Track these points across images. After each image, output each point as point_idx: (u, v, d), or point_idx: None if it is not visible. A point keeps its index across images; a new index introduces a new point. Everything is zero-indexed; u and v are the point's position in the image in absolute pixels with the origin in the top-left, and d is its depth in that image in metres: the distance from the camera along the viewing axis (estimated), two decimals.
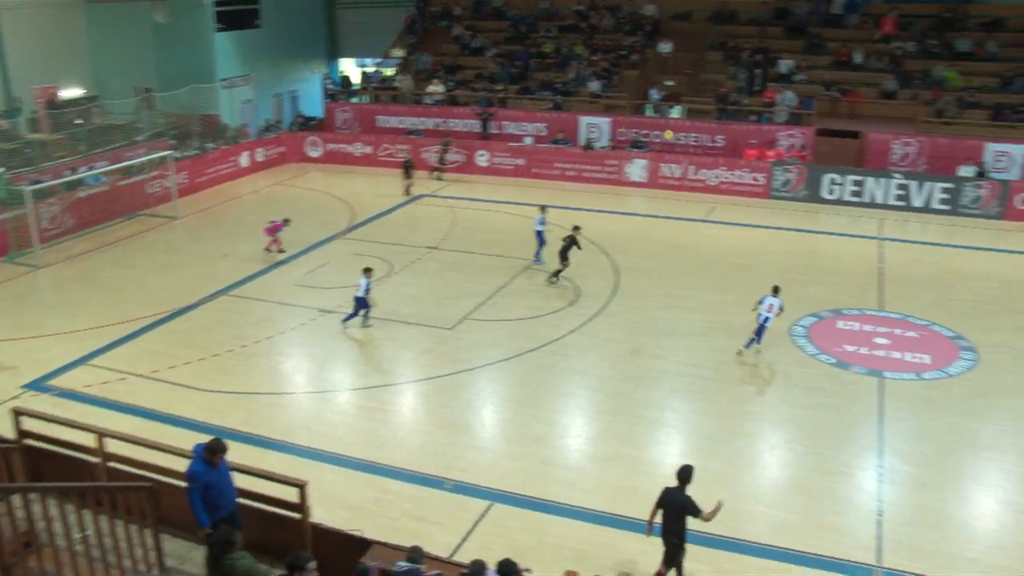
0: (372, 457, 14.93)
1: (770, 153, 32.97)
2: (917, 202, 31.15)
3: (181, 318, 20.94)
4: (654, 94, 36.14)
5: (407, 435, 15.87)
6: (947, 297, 22.82)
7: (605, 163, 34.22)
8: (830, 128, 33.91)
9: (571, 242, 23.00)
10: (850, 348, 19.60)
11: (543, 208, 25.25)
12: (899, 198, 31.30)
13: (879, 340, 20.03)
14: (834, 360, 18.98)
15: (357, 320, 20.17)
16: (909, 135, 32.58)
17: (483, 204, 31.34)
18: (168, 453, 10.53)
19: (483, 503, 13.63)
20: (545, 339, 19.72)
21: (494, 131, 36.84)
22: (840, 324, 20.98)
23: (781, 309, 19.01)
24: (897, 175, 31.41)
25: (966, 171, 31.19)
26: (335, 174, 36.08)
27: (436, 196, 32.15)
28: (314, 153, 37.87)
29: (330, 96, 41.44)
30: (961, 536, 13.14)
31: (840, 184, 31.85)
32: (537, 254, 24.91)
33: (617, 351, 19.29)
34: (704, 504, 11.16)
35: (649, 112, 36.11)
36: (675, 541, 11.39)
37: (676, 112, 35.81)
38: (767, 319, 18.83)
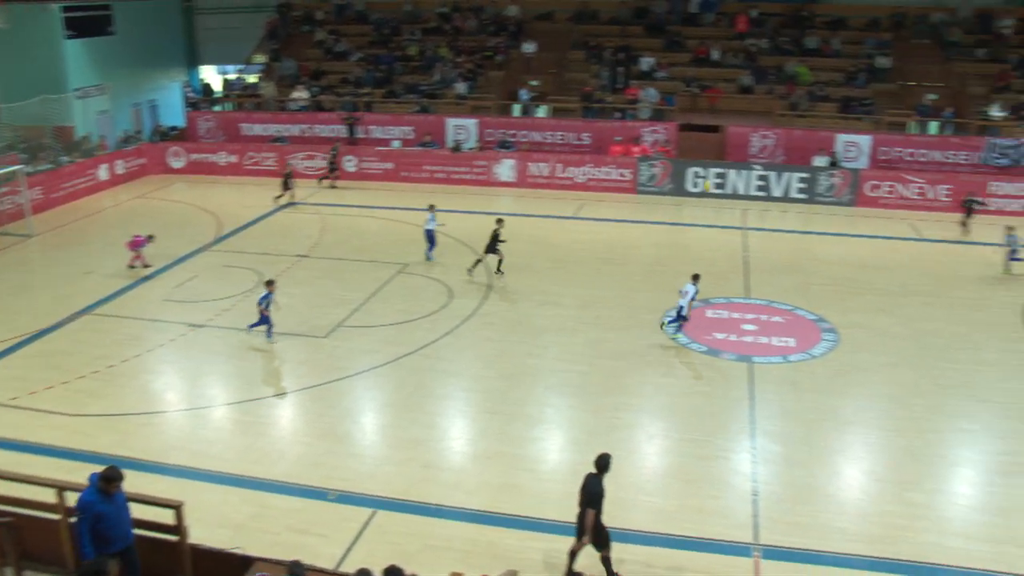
0: (251, 472, 14.57)
1: (635, 149, 33.67)
2: (776, 192, 32.40)
3: (42, 340, 19.97)
4: (524, 94, 36.46)
5: (286, 447, 15.56)
6: (808, 282, 23.79)
7: (473, 164, 34.35)
8: (692, 123, 34.94)
9: (495, 236, 23.47)
10: (720, 336, 20.21)
11: (432, 207, 25.50)
12: (759, 188, 32.48)
13: (747, 326, 20.72)
14: (705, 348, 19.53)
15: (269, 330, 19.80)
16: (766, 128, 33.85)
17: (353, 210, 31.00)
18: (30, 484, 10.02)
19: (367, 511, 13.48)
20: (420, 343, 19.65)
21: (361, 136, 36.49)
22: (709, 313, 21.60)
23: (694, 297, 19.63)
24: (757, 167, 32.58)
25: (820, 161, 32.60)
26: (200, 185, 35.12)
27: (305, 204, 31.62)
28: (177, 164, 36.75)
29: (191, 105, 40.33)
30: (830, 508, 13.70)
31: (703, 177, 32.79)
32: (429, 252, 25.31)
33: (492, 351, 19.38)
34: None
35: (517, 112, 36.40)
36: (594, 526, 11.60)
37: (542, 111, 36.24)
38: (681, 305, 19.52)
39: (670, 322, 19.89)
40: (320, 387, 17.71)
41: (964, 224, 28.09)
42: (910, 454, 15.27)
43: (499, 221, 23.84)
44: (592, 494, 11.43)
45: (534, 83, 36.92)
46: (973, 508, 13.91)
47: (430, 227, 25.11)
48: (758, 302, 22.29)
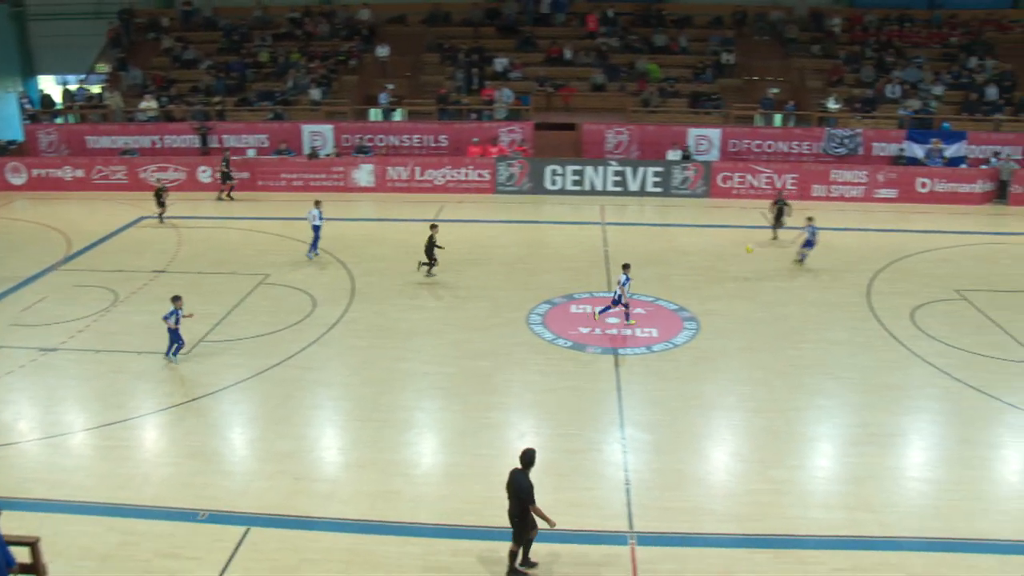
0: (115, 499, 13.90)
1: (493, 149, 33.85)
2: (633, 187, 33.12)
3: None
4: (383, 98, 36.14)
5: (151, 470, 14.92)
6: (667, 273, 24.41)
7: (331, 170, 33.84)
8: (547, 122, 35.38)
9: (431, 241, 23.46)
10: (584, 330, 20.47)
11: (317, 203, 25.83)
12: (616, 184, 33.15)
13: (610, 320, 21.02)
14: (571, 343, 19.75)
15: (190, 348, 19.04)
16: (620, 125, 34.56)
17: (209, 222, 30.09)
18: None
19: (240, 529, 13.07)
20: (286, 353, 19.20)
21: (214, 146, 35.44)
22: (573, 308, 21.87)
23: (624, 284, 20.08)
24: (613, 163, 33.22)
25: (673, 155, 33.53)
26: (44, 202, 33.38)
27: (159, 217, 30.44)
28: (17, 180, 34.81)
29: (30, 117, 38.22)
30: (700, 491, 14.07)
31: (561, 175, 33.25)
32: (312, 248, 25.73)
33: (360, 357, 19.12)
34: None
35: (375, 116, 36.10)
36: (516, 520, 11.75)
37: (398, 115, 36.04)
38: (617, 294, 20.12)
39: (601, 311, 20.63)
40: (185, 405, 17.08)
41: (776, 222, 27.58)
42: (772, 433, 15.86)
43: (433, 227, 23.80)
44: (523, 489, 11.58)
45: (390, 86, 36.65)
46: (830, 479, 14.58)
47: (316, 223, 25.45)
48: None
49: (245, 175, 33.89)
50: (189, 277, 24.31)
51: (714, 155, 34.13)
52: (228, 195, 32.97)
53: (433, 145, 35.14)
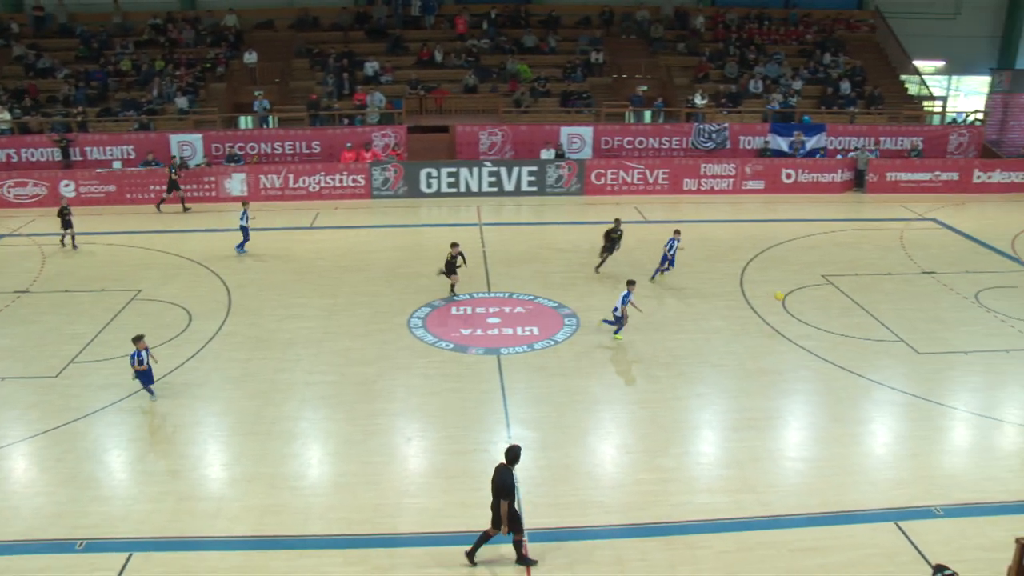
0: None
1: (367, 154, 33.56)
2: (508, 187, 33.34)
3: None
4: (258, 105, 35.36)
5: (21, 501, 14.14)
6: (545, 271, 24.65)
7: (202, 180, 32.92)
8: (421, 125, 35.31)
9: (453, 258, 22.46)
10: (466, 331, 20.49)
11: (245, 203, 26.69)
12: (492, 184, 33.31)
13: (491, 320, 21.13)
14: (453, 345, 19.73)
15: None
16: (493, 125, 34.73)
17: (76, 238, 28.78)
18: None
19: (121, 556, 12.56)
20: (163, 370, 18.50)
21: (77, 158, 34.02)
22: (454, 310, 21.86)
23: (624, 301, 19.68)
24: (487, 164, 33.35)
25: (547, 154, 33.88)
26: None
27: (18, 235, 29.04)
28: None
29: None
30: (588, 485, 14.27)
31: (436, 177, 33.21)
32: (240, 245, 26.59)
33: (240, 370, 18.66)
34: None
35: (246, 124, 35.28)
36: (496, 511, 11.95)
37: (269, 122, 35.37)
38: (615, 308, 19.92)
39: (606, 321, 20.44)
40: (55, 431, 16.26)
41: (606, 250, 24.60)
42: (655, 423, 16.20)
43: (454, 245, 22.69)
44: (505, 485, 11.72)
45: (258, 93, 35.92)
46: (714, 464, 14.99)
47: (243, 223, 26.23)
48: (500, 295, 22.81)
49: (111, 188, 32.65)
50: (56, 296, 23.26)
51: (587, 153, 34.66)
52: (183, 206, 31.86)
53: (306, 152, 34.57)
